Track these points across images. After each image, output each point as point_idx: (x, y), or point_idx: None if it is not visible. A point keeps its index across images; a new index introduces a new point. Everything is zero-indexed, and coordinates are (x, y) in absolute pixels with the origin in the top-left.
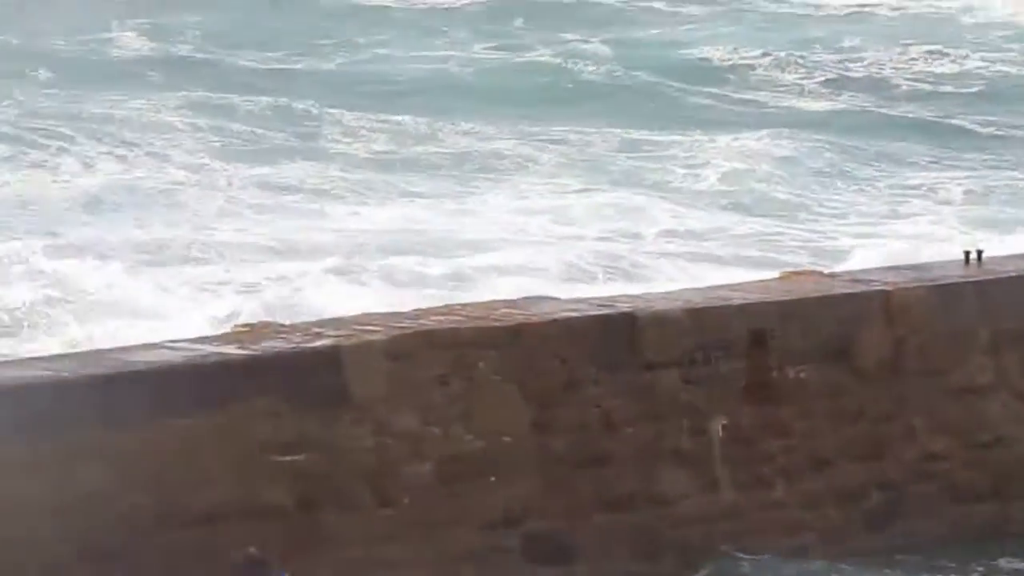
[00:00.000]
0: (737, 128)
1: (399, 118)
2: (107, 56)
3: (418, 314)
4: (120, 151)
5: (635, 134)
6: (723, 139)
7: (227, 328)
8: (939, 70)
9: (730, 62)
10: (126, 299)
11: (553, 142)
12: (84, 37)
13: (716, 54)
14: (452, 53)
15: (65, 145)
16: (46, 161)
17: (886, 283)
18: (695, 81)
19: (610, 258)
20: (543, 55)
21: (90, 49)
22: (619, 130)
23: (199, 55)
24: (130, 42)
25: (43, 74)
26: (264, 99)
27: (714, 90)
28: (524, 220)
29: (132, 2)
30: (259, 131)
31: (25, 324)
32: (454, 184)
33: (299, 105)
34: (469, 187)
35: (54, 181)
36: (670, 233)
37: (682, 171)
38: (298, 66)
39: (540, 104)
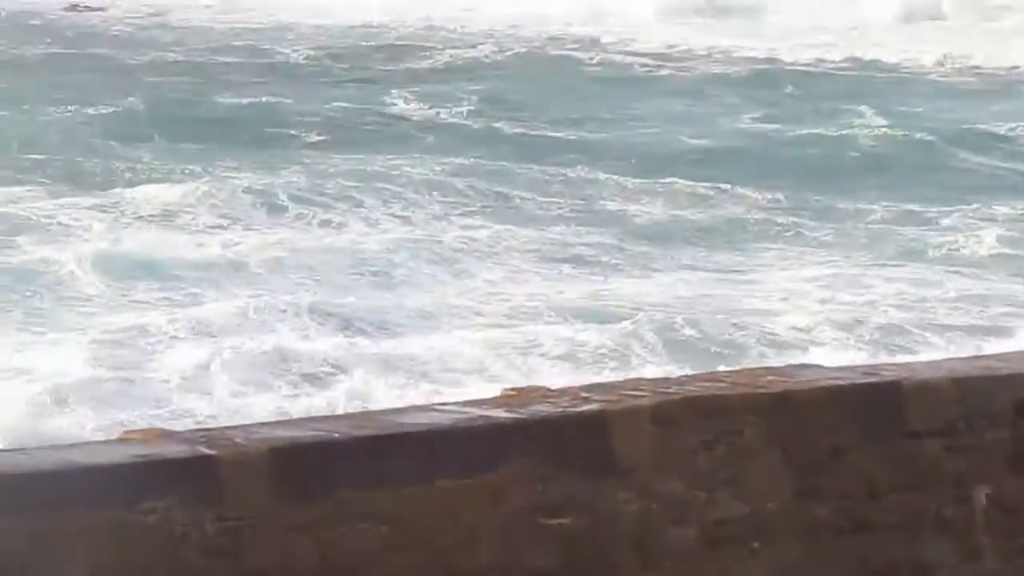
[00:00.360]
0: (1016, 197)
1: (673, 184)
2: (383, 121)
3: (685, 380)
4: (403, 213)
5: (913, 204)
6: (1001, 209)
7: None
8: None
9: (1005, 133)
10: (406, 360)
11: (830, 211)
12: (360, 104)
13: (991, 125)
14: (723, 120)
15: (348, 207)
16: (332, 221)
17: None
18: (971, 151)
19: (886, 327)
20: (816, 124)
21: (366, 114)
22: (897, 200)
23: (473, 123)
24: (406, 108)
25: (320, 138)
26: (537, 166)
27: (990, 161)
28: (801, 288)
29: (410, 71)
30: (537, 197)
31: (305, 384)
32: (730, 251)
33: (572, 173)
34: (745, 255)
35: (339, 241)
36: (947, 301)
37: (961, 240)
38: (570, 133)
39: (815, 173)
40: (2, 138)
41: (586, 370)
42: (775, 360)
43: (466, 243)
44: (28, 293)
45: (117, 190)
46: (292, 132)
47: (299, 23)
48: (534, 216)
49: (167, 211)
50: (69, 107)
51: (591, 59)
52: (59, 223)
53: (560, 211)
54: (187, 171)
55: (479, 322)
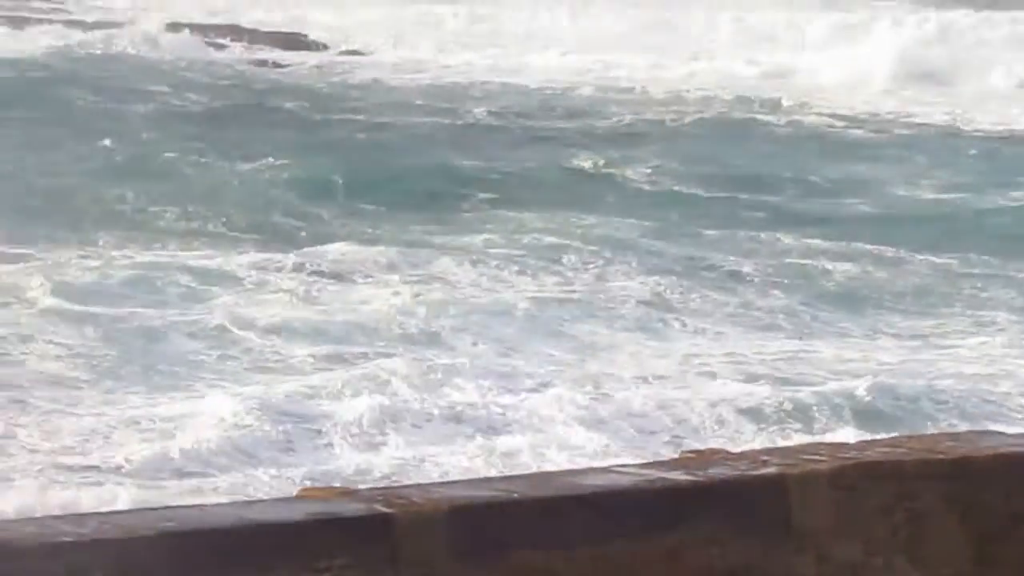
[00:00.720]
0: None
1: (860, 248)
2: (567, 180)
3: (864, 445)
4: (594, 272)
5: None
6: None
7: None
8: None
9: None
10: (590, 420)
11: (1018, 279)
12: (545, 164)
13: None
14: (907, 185)
15: (541, 265)
16: (524, 278)
17: None
18: None
19: None
20: (999, 191)
21: (551, 173)
22: None
23: (657, 184)
24: (591, 168)
25: (503, 196)
26: (725, 228)
27: None
28: (993, 355)
29: (594, 131)
30: (727, 258)
31: (485, 444)
32: (920, 317)
33: (760, 235)
34: (935, 319)
35: (527, 300)
36: None
37: None
38: (756, 195)
39: (1001, 240)
40: (188, 192)
41: (771, 433)
42: (965, 427)
43: (656, 303)
44: (214, 349)
45: (304, 248)
46: (476, 191)
47: (483, 81)
48: (724, 277)
49: (356, 269)
50: (254, 162)
51: (776, 122)
52: (246, 279)
53: (749, 273)
54: (374, 229)
55: (666, 382)
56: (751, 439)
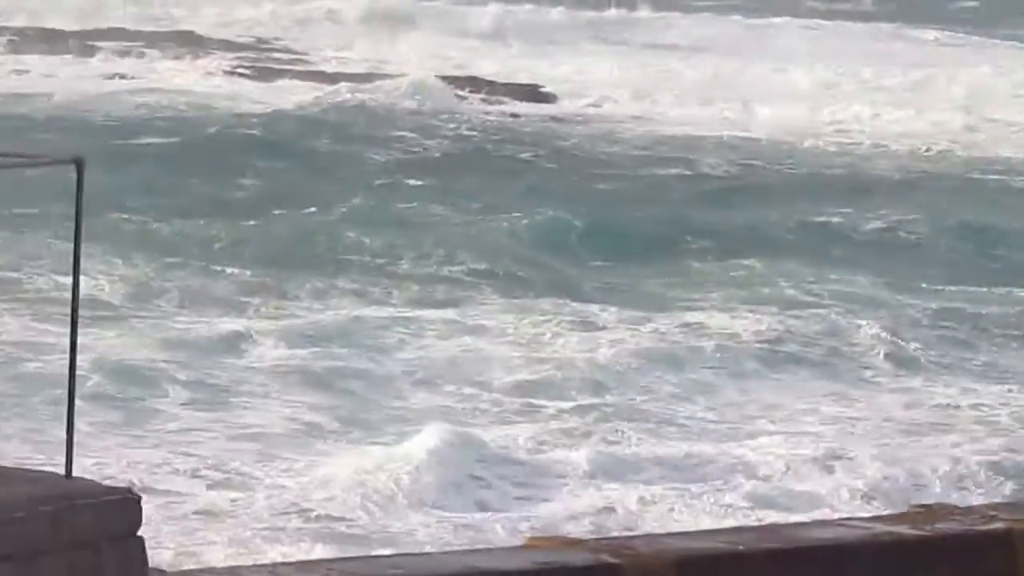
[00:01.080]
0: None
1: None
2: (805, 233)
3: None
4: (836, 321)
5: None
6: None
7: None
8: None
9: None
10: (814, 470)
11: None
12: (780, 218)
13: None
14: None
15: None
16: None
17: None
18: None
19: None
20: None
21: (788, 227)
22: None
23: (885, 239)
24: (821, 221)
25: (738, 248)
26: (955, 284)
27: None
28: None
29: (820, 185)
30: (979, 310)
31: (710, 490)
32: None
33: (1003, 290)
34: None
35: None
36: None
37: None
38: (994, 250)
39: None
40: (426, 240)
41: (1009, 488)
42: None
43: (898, 356)
44: (451, 398)
45: (542, 297)
46: (712, 243)
47: (718, 134)
48: (965, 330)
49: (592, 319)
50: (492, 212)
51: (1009, 176)
52: (484, 328)
53: (990, 326)
54: (612, 279)
55: (905, 434)
56: (989, 494)
